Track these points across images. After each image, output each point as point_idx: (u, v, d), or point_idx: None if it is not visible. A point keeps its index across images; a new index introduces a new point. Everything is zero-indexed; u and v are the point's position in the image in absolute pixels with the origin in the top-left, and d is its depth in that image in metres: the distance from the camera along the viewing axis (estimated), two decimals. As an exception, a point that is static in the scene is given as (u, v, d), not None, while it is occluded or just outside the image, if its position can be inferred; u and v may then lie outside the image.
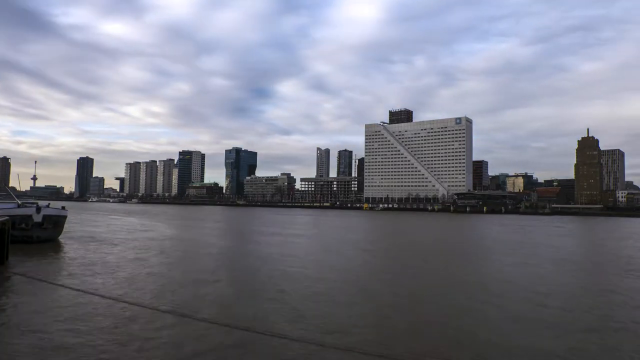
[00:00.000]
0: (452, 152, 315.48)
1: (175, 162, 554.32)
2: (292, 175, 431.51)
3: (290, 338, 14.33)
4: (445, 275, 28.58)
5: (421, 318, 17.64)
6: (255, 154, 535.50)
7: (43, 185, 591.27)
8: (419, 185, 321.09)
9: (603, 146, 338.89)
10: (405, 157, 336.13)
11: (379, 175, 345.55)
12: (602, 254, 45.40)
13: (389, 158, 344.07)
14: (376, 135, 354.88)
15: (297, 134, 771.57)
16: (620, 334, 15.89)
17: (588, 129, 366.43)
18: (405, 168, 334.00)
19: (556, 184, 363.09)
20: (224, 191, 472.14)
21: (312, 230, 74.51)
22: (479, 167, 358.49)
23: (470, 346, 14.14)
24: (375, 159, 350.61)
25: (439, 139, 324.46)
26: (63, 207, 46.31)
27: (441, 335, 15.31)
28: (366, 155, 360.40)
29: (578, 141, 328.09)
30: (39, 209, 40.97)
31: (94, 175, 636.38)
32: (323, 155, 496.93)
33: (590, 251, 48.57)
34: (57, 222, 43.27)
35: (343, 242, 52.13)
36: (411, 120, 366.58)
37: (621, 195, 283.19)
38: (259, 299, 19.89)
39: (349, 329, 15.67)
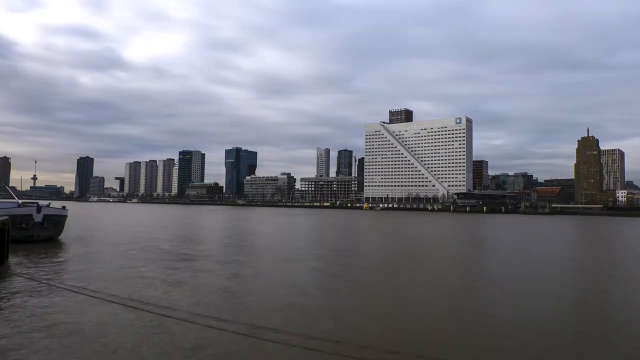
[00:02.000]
0: (452, 152, 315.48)
1: (175, 162, 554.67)
2: (292, 175, 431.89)
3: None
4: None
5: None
6: (255, 153, 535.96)
7: (43, 185, 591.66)
8: (419, 185, 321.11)
9: (603, 146, 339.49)
10: (405, 157, 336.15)
11: (379, 175, 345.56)
12: None
13: (389, 158, 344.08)
14: (376, 135, 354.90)
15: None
16: None
17: (588, 129, 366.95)
18: (405, 168, 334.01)
19: (556, 184, 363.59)
20: (223, 191, 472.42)
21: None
22: (479, 167, 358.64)
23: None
24: (375, 158, 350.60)
25: (439, 138, 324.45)
26: (63, 207, 46.31)
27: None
28: (366, 155, 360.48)
29: (578, 141, 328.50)
30: (39, 209, 40.94)
31: (94, 175, 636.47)
32: (323, 155, 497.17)
33: None
34: (57, 222, 43.26)
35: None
36: (411, 120, 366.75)
37: (621, 195, 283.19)
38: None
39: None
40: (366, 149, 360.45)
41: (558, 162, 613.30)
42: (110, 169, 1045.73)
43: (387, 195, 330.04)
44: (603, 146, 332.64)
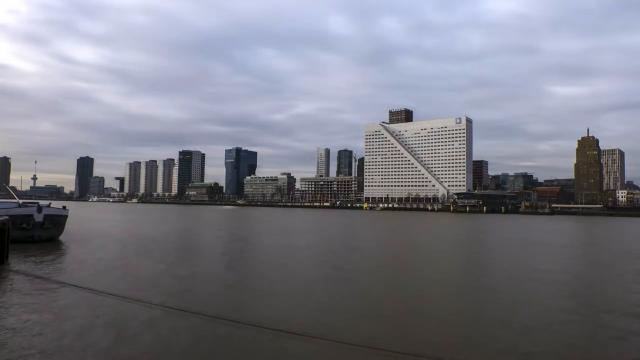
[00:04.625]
0: (452, 152, 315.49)
1: (175, 162, 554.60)
2: (292, 175, 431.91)
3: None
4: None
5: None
6: (255, 153, 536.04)
7: (43, 185, 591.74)
8: (419, 185, 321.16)
9: (603, 146, 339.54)
10: (405, 157, 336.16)
11: (379, 175, 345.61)
12: None
13: (389, 158, 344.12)
14: (376, 135, 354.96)
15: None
16: None
17: (588, 129, 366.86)
18: (405, 168, 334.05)
19: (556, 184, 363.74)
20: (223, 191, 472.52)
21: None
22: (479, 167, 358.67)
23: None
24: (375, 159, 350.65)
25: (439, 139, 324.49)
26: (64, 207, 46.33)
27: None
28: (366, 155, 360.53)
29: (578, 141, 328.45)
30: (40, 209, 40.94)
31: (94, 175, 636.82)
32: (323, 155, 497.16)
33: None
34: (58, 222, 43.26)
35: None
36: (411, 120, 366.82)
37: (621, 195, 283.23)
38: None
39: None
40: (366, 149, 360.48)
41: (558, 162, 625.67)
42: (110, 169, 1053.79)
43: (387, 195, 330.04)
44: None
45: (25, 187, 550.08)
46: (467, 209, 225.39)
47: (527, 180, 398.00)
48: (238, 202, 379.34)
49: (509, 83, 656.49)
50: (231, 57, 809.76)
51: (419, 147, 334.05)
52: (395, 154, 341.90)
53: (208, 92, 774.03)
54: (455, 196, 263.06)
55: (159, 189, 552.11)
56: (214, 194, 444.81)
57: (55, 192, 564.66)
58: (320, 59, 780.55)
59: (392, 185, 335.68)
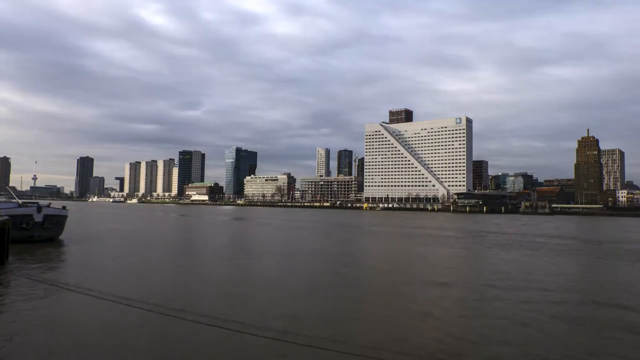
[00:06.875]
0: (452, 152, 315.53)
1: (175, 162, 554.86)
2: (292, 175, 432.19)
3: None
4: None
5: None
6: (255, 153, 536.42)
7: (43, 185, 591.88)
8: (419, 185, 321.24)
9: (603, 146, 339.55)
10: (405, 157, 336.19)
11: (379, 175, 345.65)
12: None
13: (389, 158, 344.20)
14: (376, 135, 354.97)
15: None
16: None
17: (588, 130, 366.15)
18: (405, 168, 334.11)
19: (556, 183, 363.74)
20: (223, 191, 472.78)
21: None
22: (479, 167, 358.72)
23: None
24: (375, 159, 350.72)
25: (439, 138, 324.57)
26: (64, 207, 46.29)
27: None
28: (366, 155, 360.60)
29: (578, 141, 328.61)
30: (39, 209, 40.87)
31: (94, 175, 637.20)
32: (323, 155, 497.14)
33: None
34: (58, 222, 43.19)
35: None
36: (411, 120, 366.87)
37: (621, 195, 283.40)
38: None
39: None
40: (366, 149, 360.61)
41: (558, 162, 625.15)
42: (111, 168, 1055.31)
43: (387, 195, 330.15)
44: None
45: (25, 187, 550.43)
46: (467, 209, 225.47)
47: (527, 180, 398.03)
48: (238, 202, 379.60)
49: (395, 75, 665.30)
50: (86, 51, 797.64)
51: (419, 147, 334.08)
52: (395, 154, 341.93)
53: (98, 88, 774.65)
54: (455, 196, 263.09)
55: (159, 189, 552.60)
56: (214, 194, 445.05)
57: (55, 192, 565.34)
58: (175, 52, 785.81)
59: (392, 185, 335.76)
